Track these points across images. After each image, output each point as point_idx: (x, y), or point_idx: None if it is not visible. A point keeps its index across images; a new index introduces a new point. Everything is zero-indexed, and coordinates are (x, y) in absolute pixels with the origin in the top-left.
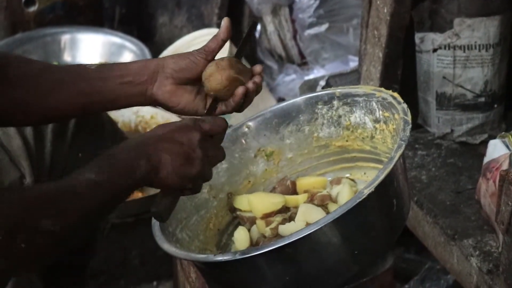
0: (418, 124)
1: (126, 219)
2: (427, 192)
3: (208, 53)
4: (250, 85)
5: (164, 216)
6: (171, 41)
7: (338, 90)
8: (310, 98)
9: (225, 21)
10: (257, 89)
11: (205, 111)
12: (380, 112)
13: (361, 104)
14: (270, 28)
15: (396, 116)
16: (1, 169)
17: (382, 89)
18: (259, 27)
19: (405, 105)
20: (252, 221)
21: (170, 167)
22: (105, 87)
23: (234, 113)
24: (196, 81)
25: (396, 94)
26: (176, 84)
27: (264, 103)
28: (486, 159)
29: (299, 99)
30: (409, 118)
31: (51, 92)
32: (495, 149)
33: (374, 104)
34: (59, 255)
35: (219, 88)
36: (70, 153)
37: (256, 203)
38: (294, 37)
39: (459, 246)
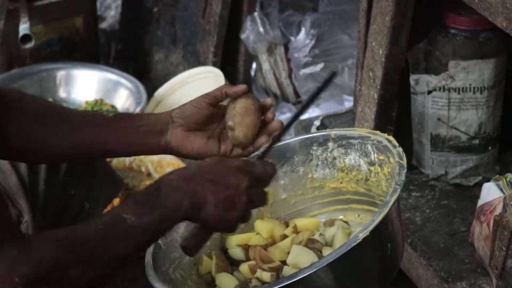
0: (412, 165)
1: None
2: (421, 234)
3: (211, 99)
4: (272, 133)
5: (193, 253)
6: (166, 78)
7: (333, 132)
8: (305, 139)
9: (243, 87)
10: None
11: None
12: (375, 155)
13: (356, 147)
14: (266, 66)
15: (391, 159)
16: None
17: (378, 132)
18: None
19: (400, 149)
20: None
21: (212, 210)
22: (122, 136)
23: None
24: (205, 125)
25: (391, 138)
26: (187, 131)
27: None
28: (480, 202)
29: (294, 140)
30: (404, 162)
31: (69, 134)
32: (489, 192)
33: (369, 146)
34: None
35: (245, 142)
36: (63, 190)
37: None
38: (289, 76)
39: None
